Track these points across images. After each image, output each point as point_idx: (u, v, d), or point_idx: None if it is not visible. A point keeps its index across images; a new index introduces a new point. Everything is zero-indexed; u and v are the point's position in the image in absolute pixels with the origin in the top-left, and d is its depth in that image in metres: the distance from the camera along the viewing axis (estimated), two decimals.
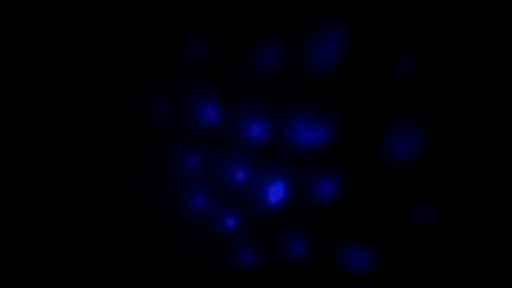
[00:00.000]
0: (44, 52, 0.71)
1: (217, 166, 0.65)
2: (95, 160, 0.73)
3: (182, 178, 0.69)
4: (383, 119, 0.50)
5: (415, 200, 0.50)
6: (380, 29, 0.48)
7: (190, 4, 0.61)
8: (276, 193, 0.60)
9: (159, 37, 0.64)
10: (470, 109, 0.46)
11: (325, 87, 0.53)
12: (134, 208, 0.74)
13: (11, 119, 0.74)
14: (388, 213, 0.52)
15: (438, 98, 0.47)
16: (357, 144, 0.52)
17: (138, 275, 0.75)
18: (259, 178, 0.61)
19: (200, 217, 0.69)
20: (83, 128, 0.73)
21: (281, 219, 0.61)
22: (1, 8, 0.68)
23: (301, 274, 0.60)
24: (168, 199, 0.71)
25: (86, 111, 0.72)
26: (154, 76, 0.67)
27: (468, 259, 0.48)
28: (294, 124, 0.56)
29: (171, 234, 0.72)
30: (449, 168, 0.48)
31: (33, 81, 0.72)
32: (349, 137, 0.52)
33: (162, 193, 0.71)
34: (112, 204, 0.75)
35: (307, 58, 0.53)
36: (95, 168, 0.74)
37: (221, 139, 0.63)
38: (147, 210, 0.73)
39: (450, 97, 0.46)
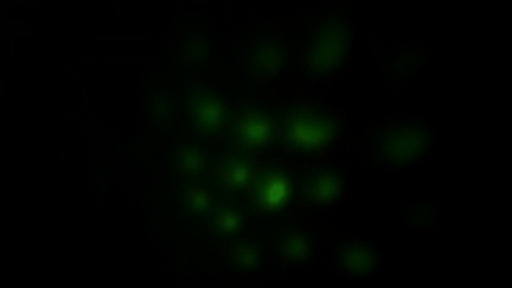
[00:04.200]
0: (42, 51, 0.71)
1: (217, 167, 0.65)
2: (96, 160, 0.73)
3: (183, 178, 0.69)
4: (383, 118, 0.50)
5: (416, 199, 0.50)
6: (381, 28, 0.48)
7: (192, 4, 0.61)
8: (276, 193, 0.60)
9: (159, 38, 0.64)
10: (471, 109, 0.46)
11: (326, 86, 0.53)
12: (134, 208, 0.74)
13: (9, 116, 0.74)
14: (388, 213, 0.52)
15: (439, 98, 0.47)
16: (357, 144, 0.52)
17: (136, 275, 0.75)
18: (259, 178, 0.61)
19: (201, 218, 0.69)
20: (84, 129, 0.73)
21: (281, 219, 0.61)
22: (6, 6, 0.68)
23: (302, 274, 0.60)
24: (169, 199, 0.71)
25: (86, 110, 0.72)
26: (155, 77, 0.67)
27: (469, 258, 0.48)
28: (294, 124, 0.57)
29: (171, 235, 0.72)
30: (449, 168, 0.48)
31: (33, 80, 0.73)
32: (350, 137, 0.52)
33: (163, 193, 0.71)
34: (112, 205, 0.74)
35: (307, 57, 0.54)
36: (95, 169, 0.74)
37: (221, 139, 0.63)
38: (148, 210, 0.73)
39: (450, 97, 0.46)
